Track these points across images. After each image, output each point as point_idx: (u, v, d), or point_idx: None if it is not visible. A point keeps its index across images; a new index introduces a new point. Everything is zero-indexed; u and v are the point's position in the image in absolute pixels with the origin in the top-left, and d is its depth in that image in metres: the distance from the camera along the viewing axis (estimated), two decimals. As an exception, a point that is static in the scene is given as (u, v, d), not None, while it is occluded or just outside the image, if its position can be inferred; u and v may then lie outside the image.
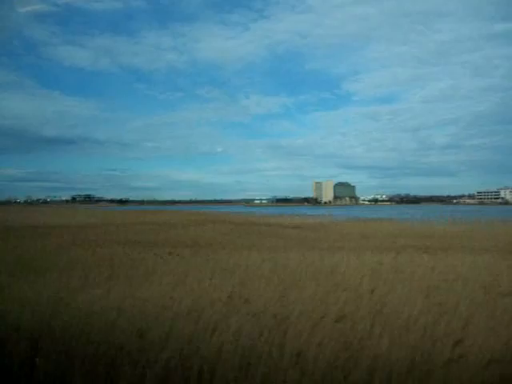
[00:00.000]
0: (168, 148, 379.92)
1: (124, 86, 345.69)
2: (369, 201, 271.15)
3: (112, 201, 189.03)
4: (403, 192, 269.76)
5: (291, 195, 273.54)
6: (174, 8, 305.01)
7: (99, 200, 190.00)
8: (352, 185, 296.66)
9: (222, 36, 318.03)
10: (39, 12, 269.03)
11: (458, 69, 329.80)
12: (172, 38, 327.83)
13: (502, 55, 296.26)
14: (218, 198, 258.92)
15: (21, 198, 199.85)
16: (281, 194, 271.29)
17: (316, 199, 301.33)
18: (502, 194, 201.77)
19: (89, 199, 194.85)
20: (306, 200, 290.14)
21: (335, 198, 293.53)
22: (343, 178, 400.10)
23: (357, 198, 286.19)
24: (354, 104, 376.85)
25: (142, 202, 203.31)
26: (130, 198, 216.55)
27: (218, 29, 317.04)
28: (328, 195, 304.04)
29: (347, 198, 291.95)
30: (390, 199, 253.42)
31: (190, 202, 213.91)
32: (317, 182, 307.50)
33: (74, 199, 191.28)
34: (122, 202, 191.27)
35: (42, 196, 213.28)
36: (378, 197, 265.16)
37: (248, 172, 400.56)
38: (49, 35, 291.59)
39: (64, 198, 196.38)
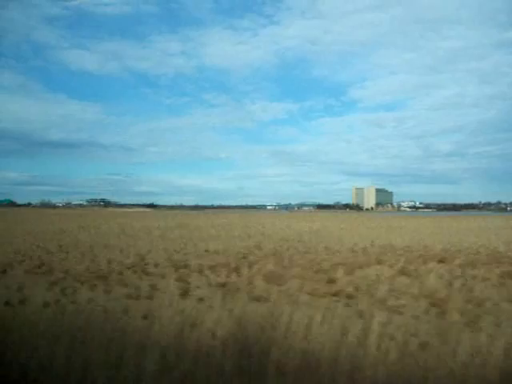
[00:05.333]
0: (172, 153, 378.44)
1: (131, 90, 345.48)
2: (409, 207, 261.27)
3: (143, 205, 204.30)
4: (407, 199, 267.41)
5: (294, 201, 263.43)
6: (184, 13, 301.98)
7: (121, 205, 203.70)
8: (389, 191, 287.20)
9: (231, 41, 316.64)
10: (48, 15, 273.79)
11: (465, 76, 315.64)
12: (180, 43, 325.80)
13: (510, 63, 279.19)
14: (222, 203, 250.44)
15: (36, 202, 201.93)
16: (284, 201, 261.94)
17: (358, 205, 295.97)
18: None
19: (104, 204, 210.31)
20: (348, 206, 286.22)
21: (376, 204, 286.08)
22: (346, 185, 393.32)
23: (399, 205, 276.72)
24: (360, 111, 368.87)
25: (171, 207, 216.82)
26: (134, 203, 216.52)
27: (227, 34, 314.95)
28: (370, 202, 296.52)
29: (389, 205, 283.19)
30: (426, 206, 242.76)
31: (213, 207, 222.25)
32: (357, 188, 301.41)
33: (106, 204, 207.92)
34: (151, 206, 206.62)
35: (43, 199, 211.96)
36: (413, 204, 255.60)
37: (251, 178, 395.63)
38: (57, 39, 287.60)
39: (78, 202, 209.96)
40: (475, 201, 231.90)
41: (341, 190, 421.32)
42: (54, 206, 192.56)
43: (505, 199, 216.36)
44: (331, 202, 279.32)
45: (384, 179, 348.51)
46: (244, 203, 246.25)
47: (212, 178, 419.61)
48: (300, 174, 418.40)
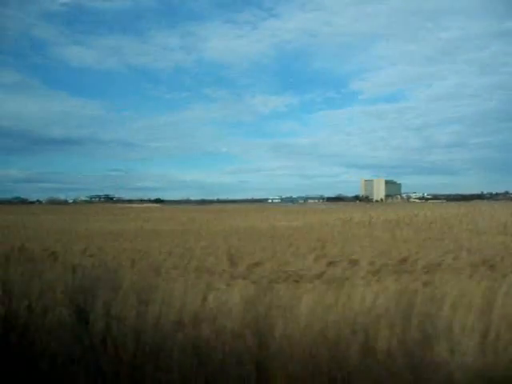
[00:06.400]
0: (173, 148, 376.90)
1: (130, 85, 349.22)
2: (418, 199, 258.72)
3: (149, 200, 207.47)
4: (409, 190, 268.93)
5: (295, 195, 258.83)
6: (183, 7, 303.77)
7: (127, 200, 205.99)
8: (398, 183, 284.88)
9: (231, 35, 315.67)
10: (47, 11, 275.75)
11: (465, 67, 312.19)
12: (180, 38, 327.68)
13: (510, 53, 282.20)
14: (223, 197, 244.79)
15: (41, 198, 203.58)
16: (285, 194, 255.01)
17: (367, 197, 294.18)
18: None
19: (110, 199, 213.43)
20: (357, 198, 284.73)
21: (386, 196, 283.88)
22: (346, 177, 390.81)
23: (408, 197, 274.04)
24: (360, 103, 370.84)
25: (177, 202, 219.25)
26: (135, 198, 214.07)
27: (227, 28, 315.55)
28: (380, 193, 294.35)
29: (398, 196, 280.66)
30: (434, 197, 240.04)
31: (219, 201, 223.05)
32: (366, 180, 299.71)
33: (115, 200, 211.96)
34: (158, 201, 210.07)
35: (43, 196, 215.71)
36: (421, 195, 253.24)
37: (252, 171, 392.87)
38: (56, 35, 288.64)
39: (85, 199, 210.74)
40: (476, 191, 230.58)
41: (341, 183, 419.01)
42: (66, 203, 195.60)
43: (509, 189, 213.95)
44: (332, 195, 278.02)
45: (385, 171, 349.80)
46: (246, 197, 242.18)
47: (213, 172, 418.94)
48: (300, 167, 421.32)
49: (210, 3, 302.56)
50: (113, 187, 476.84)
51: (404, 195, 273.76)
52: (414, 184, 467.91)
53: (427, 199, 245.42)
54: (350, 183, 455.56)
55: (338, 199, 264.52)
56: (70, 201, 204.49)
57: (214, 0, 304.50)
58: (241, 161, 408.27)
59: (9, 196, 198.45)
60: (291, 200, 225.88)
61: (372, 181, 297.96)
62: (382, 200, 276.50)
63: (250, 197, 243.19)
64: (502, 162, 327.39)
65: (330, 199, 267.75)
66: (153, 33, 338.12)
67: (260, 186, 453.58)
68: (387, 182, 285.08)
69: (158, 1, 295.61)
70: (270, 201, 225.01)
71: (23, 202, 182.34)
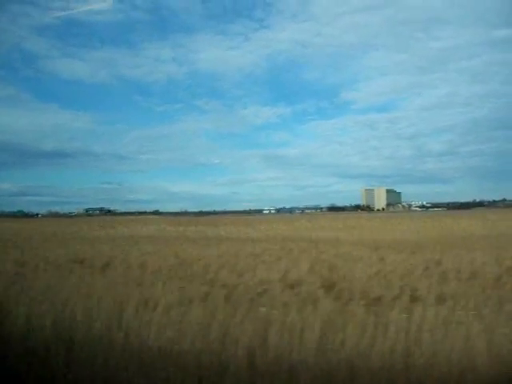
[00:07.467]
0: (165, 160, 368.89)
1: (122, 98, 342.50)
2: (419, 207, 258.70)
3: (145, 212, 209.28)
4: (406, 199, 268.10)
5: (288, 205, 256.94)
6: (175, 19, 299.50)
7: (124, 213, 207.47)
8: (398, 191, 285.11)
9: (222, 46, 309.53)
10: (39, 24, 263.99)
11: (456, 75, 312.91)
12: (172, 50, 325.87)
13: (502, 61, 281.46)
14: (216, 209, 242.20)
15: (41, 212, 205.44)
16: (279, 205, 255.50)
17: (368, 206, 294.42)
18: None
19: (108, 212, 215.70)
20: (359, 207, 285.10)
21: (387, 205, 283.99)
22: (339, 187, 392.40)
23: (409, 205, 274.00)
24: (352, 113, 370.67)
25: (176, 214, 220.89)
26: (129, 210, 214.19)
27: (219, 39, 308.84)
28: (381, 202, 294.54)
29: (400, 205, 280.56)
30: (434, 205, 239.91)
31: (223, 212, 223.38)
32: (367, 189, 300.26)
33: (109, 212, 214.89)
34: (156, 213, 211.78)
35: (38, 210, 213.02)
36: (421, 203, 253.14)
37: (244, 183, 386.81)
38: (48, 48, 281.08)
39: (76, 212, 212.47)
40: (469, 199, 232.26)
41: (334, 192, 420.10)
42: (67, 216, 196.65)
43: (504, 196, 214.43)
44: (326, 205, 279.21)
45: (378, 180, 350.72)
46: (238, 208, 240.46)
47: (205, 183, 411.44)
48: (293, 177, 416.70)
49: (201, 15, 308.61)
50: (108, 200, 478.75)
51: (404, 204, 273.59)
52: (407, 193, 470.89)
53: (427, 207, 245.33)
54: (343, 193, 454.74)
55: (338, 209, 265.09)
56: (73, 214, 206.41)
57: (206, 12, 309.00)
58: (233, 172, 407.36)
59: (5, 209, 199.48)
60: (289, 211, 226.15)
61: (373, 190, 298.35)
62: (383, 209, 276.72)
63: (242, 208, 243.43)
64: (494, 169, 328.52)
65: (330, 209, 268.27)
66: (145, 45, 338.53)
67: (252, 197, 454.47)
68: (388, 191, 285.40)
69: (149, 13, 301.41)
70: (266, 212, 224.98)
71: (25, 215, 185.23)
